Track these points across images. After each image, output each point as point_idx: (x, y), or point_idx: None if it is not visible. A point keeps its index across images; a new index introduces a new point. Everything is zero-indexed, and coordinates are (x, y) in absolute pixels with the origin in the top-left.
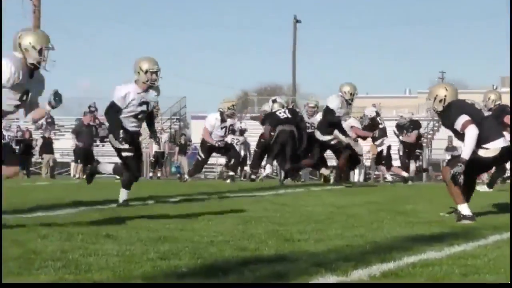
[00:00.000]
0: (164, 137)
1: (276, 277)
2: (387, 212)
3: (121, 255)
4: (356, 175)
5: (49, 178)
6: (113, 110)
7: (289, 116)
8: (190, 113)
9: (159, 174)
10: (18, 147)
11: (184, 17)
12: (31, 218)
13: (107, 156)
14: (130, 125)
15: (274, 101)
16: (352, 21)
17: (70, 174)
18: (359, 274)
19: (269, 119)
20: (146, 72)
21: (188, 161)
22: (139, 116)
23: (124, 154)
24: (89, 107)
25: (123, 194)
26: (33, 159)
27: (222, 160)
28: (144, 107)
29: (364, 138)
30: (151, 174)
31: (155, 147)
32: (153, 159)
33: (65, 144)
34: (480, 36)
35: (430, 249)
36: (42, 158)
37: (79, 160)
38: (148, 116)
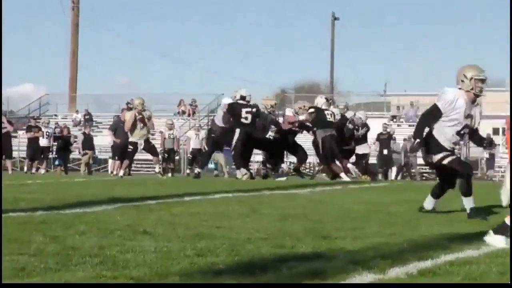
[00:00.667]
0: (202, 134)
1: (313, 274)
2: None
3: (158, 251)
4: (394, 173)
5: (86, 174)
6: (432, 116)
7: (333, 120)
8: None
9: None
10: (56, 143)
11: (222, 14)
12: (69, 215)
13: (143, 153)
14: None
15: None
16: (390, 18)
17: (107, 170)
18: (396, 272)
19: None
20: (471, 79)
21: (225, 158)
22: (462, 132)
23: (446, 161)
24: (127, 103)
25: (469, 202)
26: (72, 156)
27: (259, 157)
28: (468, 121)
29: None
30: (188, 171)
31: (192, 144)
32: (190, 156)
33: (102, 141)
34: None
35: (468, 247)
36: (85, 154)
37: (116, 157)
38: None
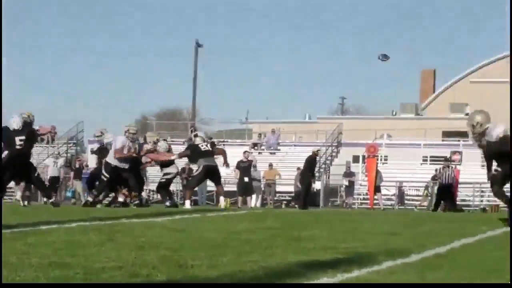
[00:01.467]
0: (60, 161)
1: None
2: (282, 237)
3: (10, 280)
4: (253, 200)
5: None
6: None
7: (209, 149)
8: (87, 138)
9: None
10: None
11: (83, 40)
12: None
13: None
14: None
15: (196, 136)
16: (251, 45)
17: None
18: None
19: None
20: None
21: (82, 186)
22: None
23: None
24: None
25: None
26: None
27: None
28: None
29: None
30: (45, 199)
31: (50, 172)
32: (48, 183)
33: None
34: (379, 62)
35: (324, 275)
36: None
37: None
38: None
